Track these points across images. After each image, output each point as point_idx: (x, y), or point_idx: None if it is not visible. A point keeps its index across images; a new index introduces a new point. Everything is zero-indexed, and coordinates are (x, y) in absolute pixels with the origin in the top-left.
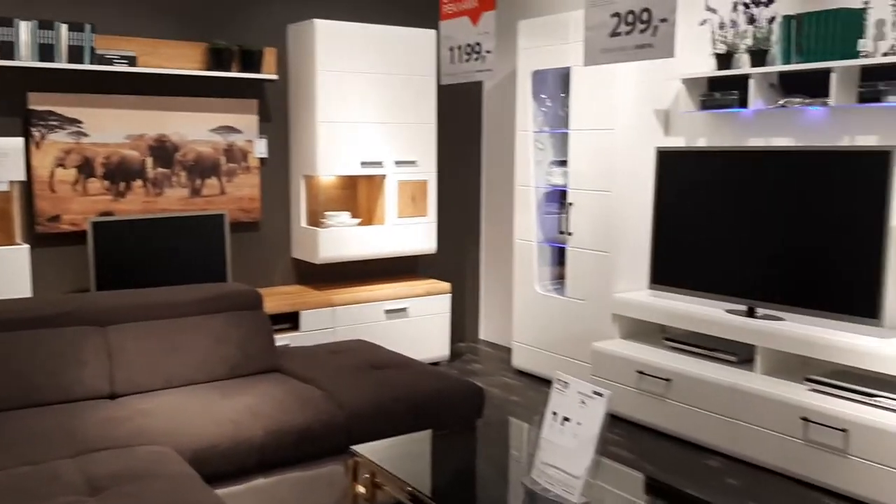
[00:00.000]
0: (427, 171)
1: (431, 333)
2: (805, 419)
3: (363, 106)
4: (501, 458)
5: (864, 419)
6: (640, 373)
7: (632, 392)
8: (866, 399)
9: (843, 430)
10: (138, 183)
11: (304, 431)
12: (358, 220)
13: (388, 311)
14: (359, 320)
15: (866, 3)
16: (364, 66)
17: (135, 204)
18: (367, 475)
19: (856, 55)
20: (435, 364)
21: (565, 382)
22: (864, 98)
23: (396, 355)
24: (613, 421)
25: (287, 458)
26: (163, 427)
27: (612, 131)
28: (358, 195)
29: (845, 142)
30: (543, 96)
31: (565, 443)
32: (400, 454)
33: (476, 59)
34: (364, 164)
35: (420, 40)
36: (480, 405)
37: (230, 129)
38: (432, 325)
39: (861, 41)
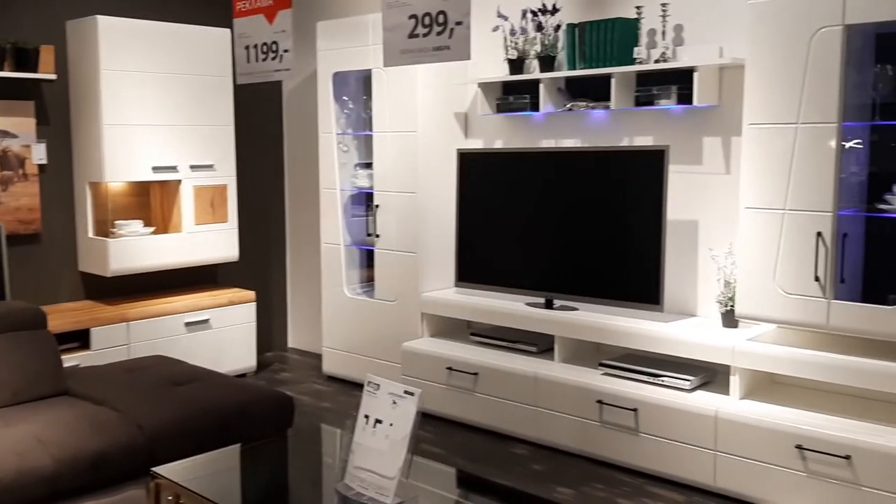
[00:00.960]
0: (226, 175)
1: (237, 344)
2: (600, 402)
3: (154, 108)
4: (314, 467)
5: (651, 398)
6: (450, 369)
7: (442, 388)
8: (652, 379)
9: (633, 410)
10: None
11: (100, 457)
12: (152, 229)
13: (188, 324)
14: (157, 335)
15: (639, 13)
16: (154, 65)
17: None
18: (171, 497)
19: (631, 62)
20: (241, 376)
21: (376, 384)
22: (640, 102)
23: (199, 369)
24: (425, 418)
25: (83, 487)
26: None
27: (415, 133)
28: (151, 202)
29: (626, 142)
30: (346, 98)
31: (378, 445)
32: (206, 472)
33: (273, 58)
34: (156, 168)
35: (213, 39)
36: (290, 414)
37: (4, 134)
38: (237, 336)
39: (636, 49)
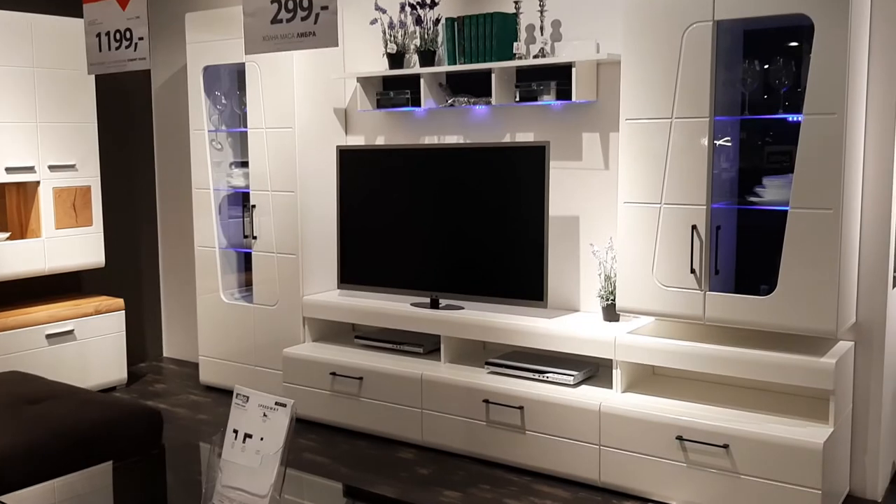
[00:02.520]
0: (89, 175)
1: (105, 356)
2: (486, 401)
3: (6, 104)
4: (180, 488)
5: (537, 395)
6: (333, 374)
7: (326, 395)
8: (537, 376)
9: (519, 408)
10: None
11: None
12: (7, 235)
13: (50, 336)
14: (15, 349)
15: (518, 7)
16: (4, 58)
17: None
18: None
19: (511, 57)
20: (111, 389)
21: (245, 396)
22: (521, 97)
23: (57, 385)
24: (308, 427)
25: None
26: None
27: (292, 130)
28: (7, 206)
29: (508, 138)
30: (218, 93)
31: (248, 462)
32: (60, 499)
33: (128, 46)
34: (10, 169)
35: (70, 30)
36: (158, 430)
37: None
38: (105, 347)
39: (515, 44)
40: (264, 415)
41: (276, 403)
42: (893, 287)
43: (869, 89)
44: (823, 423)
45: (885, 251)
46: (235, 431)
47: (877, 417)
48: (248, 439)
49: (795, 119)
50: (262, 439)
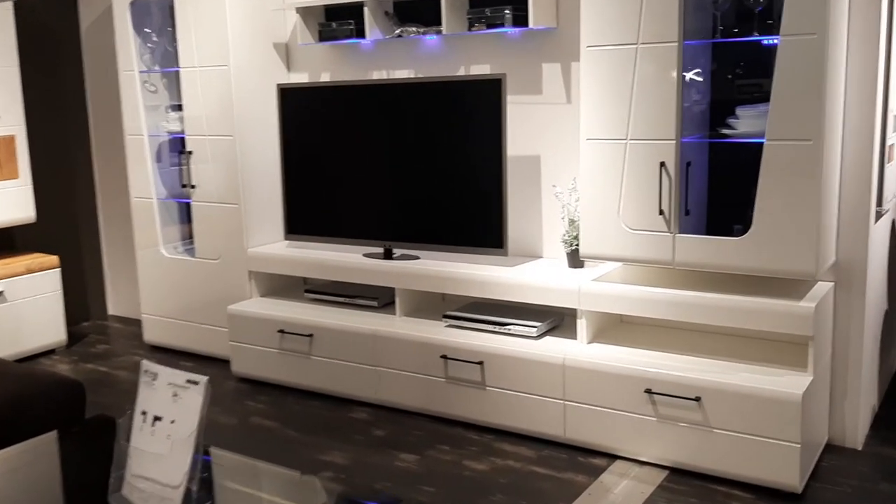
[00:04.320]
0: (12, 124)
1: (40, 317)
2: (445, 356)
3: None
4: (93, 473)
5: (498, 349)
6: (282, 332)
7: (274, 353)
8: (498, 329)
9: (479, 363)
10: None
11: None
12: None
13: None
14: None
15: None
16: None
17: None
18: None
19: None
20: (48, 353)
21: (153, 373)
22: (474, 25)
23: None
24: (257, 388)
25: None
26: None
27: (227, 68)
28: None
29: (461, 71)
30: (149, 30)
31: (158, 448)
32: None
33: None
34: None
35: None
36: (80, 404)
37: None
38: (40, 308)
39: None
40: (175, 394)
41: (188, 381)
42: (875, 223)
43: (851, 6)
44: (802, 370)
45: (866, 185)
46: (144, 413)
47: (857, 362)
48: (157, 422)
49: (772, 42)
50: (172, 422)
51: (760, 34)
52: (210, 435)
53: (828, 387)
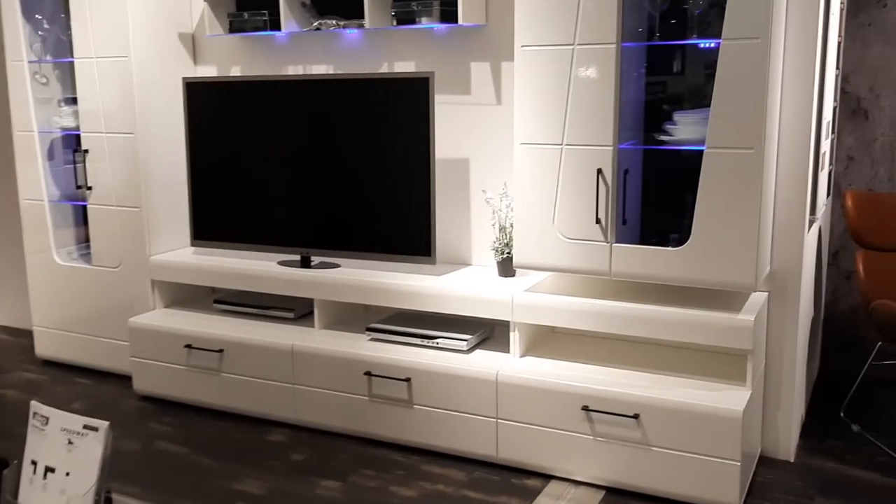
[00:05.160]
0: None
1: None
2: (368, 373)
3: None
4: None
5: (425, 364)
6: (189, 347)
7: (181, 370)
8: (426, 342)
9: (405, 380)
10: None
11: None
12: None
13: None
14: None
15: None
16: None
17: None
18: None
19: None
20: None
21: (44, 417)
22: (399, 19)
23: None
24: (162, 408)
25: None
26: None
27: (128, 60)
28: None
29: (385, 68)
30: (40, 17)
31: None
32: None
33: None
34: None
35: None
36: None
37: None
38: None
39: None
40: (70, 441)
41: (85, 427)
42: (808, 231)
43: (788, 10)
44: (740, 384)
45: (802, 194)
46: (34, 463)
47: (791, 373)
48: (49, 474)
49: (713, 45)
50: (67, 475)
51: (700, 37)
52: (110, 462)
53: (761, 398)
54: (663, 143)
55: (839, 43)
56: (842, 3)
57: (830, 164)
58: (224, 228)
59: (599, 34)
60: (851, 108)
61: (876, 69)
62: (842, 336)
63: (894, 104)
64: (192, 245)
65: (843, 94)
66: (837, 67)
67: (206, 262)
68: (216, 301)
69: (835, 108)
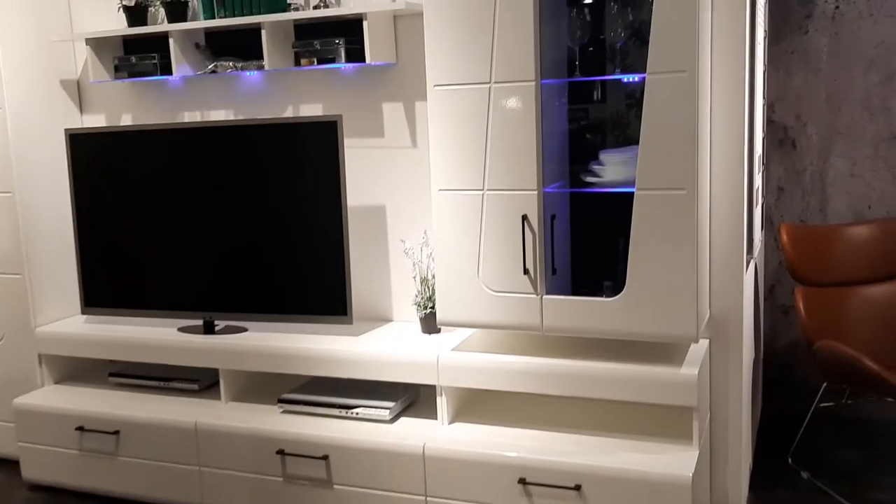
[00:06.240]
0: None
1: None
2: (282, 451)
3: None
4: None
5: (344, 439)
6: (81, 429)
7: (73, 455)
8: (345, 413)
9: (323, 458)
10: None
11: None
12: None
13: None
14: None
15: None
16: None
17: None
18: None
19: (285, 7)
20: None
21: None
22: (301, 60)
23: None
24: (52, 497)
25: None
26: None
27: (1, 111)
28: None
29: (290, 112)
30: None
31: None
32: None
33: None
34: None
35: None
36: None
37: None
38: None
39: None
40: None
41: None
42: (746, 271)
43: (713, 39)
44: (685, 442)
45: (738, 234)
46: None
47: (737, 425)
48: None
49: (637, 79)
50: None
51: (623, 71)
52: None
53: (709, 454)
54: (591, 184)
55: (764, 71)
56: (764, 30)
57: (763, 196)
58: (118, 293)
59: (517, 71)
60: (779, 138)
61: (801, 97)
62: (783, 374)
63: (822, 132)
64: (84, 313)
65: (770, 123)
66: (764, 97)
67: (100, 331)
68: (112, 374)
69: (763, 139)
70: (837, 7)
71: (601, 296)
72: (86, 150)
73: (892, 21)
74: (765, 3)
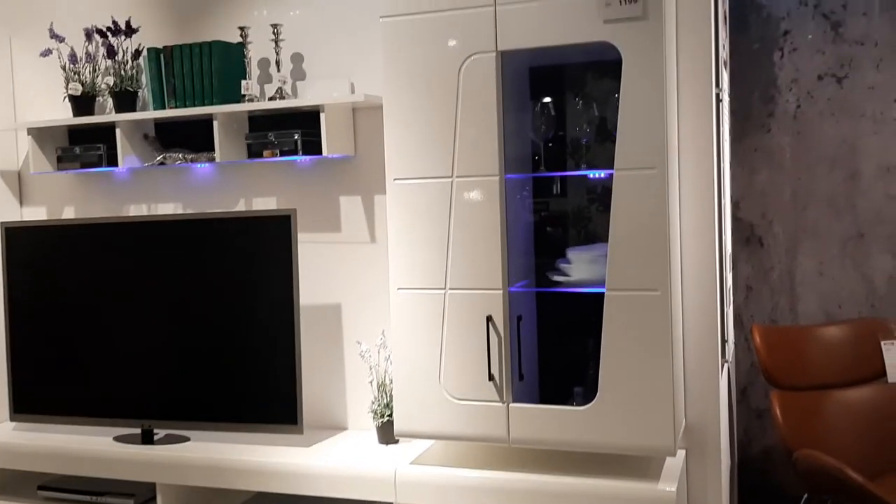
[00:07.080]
0: None
1: None
2: None
3: None
4: None
5: None
6: None
7: None
8: None
9: None
10: None
11: None
12: None
13: None
14: None
15: (245, 36)
16: None
17: None
18: None
19: (239, 99)
20: None
21: None
22: (254, 152)
23: None
24: None
25: None
26: None
27: None
28: None
29: (242, 205)
30: None
31: None
32: None
33: None
34: None
35: None
36: None
37: None
38: None
39: (244, 82)
40: None
41: None
42: (721, 376)
43: (680, 135)
44: None
45: (713, 337)
46: None
47: None
48: None
49: (604, 175)
50: None
51: (590, 167)
52: None
53: None
54: (558, 283)
55: (728, 169)
56: (728, 128)
57: (732, 296)
58: (50, 399)
59: (481, 166)
60: (745, 236)
61: (766, 195)
62: (759, 481)
63: (788, 230)
64: (12, 420)
65: (736, 220)
66: (730, 194)
67: (28, 440)
68: (41, 487)
69: (730, 237)
70: (799, 106)
71: (571, 403)
72: (21, 244)
73: (853, 120)
74: (728, 102)
